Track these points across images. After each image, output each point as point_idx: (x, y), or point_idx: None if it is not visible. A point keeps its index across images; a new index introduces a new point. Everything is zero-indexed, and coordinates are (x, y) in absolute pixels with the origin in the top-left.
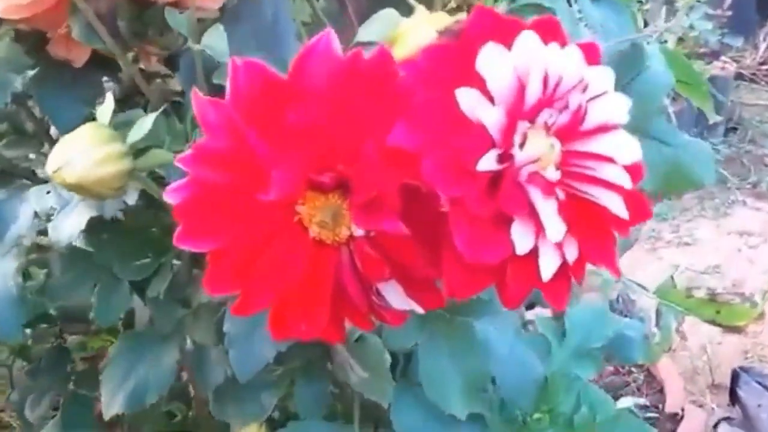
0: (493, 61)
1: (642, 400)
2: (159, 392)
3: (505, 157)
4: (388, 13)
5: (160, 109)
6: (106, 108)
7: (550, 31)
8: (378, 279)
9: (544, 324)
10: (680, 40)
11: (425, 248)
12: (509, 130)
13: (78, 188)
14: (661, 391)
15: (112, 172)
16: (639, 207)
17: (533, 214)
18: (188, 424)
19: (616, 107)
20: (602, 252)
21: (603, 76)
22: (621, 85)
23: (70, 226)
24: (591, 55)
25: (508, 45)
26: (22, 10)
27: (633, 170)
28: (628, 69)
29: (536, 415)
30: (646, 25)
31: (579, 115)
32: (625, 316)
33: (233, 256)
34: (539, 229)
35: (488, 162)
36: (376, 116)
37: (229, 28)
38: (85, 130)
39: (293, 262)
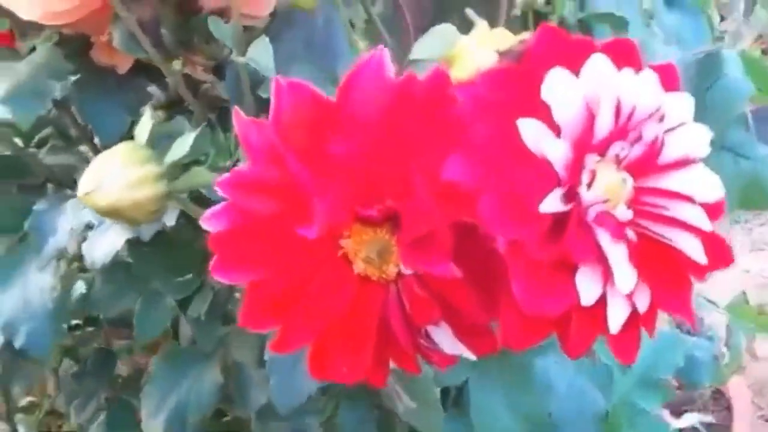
0: (559, 89)
1: (708, 418)
2: (201, 413)
3: (570, 196)
4: (446, 29)
5: (202, 125)
6: (143, 126)
7: (624, 54)
8: (427, 321)
9: (606, 350)
10: (759, 36)
11: (479, 290)
12: (576, 165)
13: (110, 213)
14: (729, 408)
15: (147, 195)
16: (719, 251)
17: (601, 260)
18: (236, 424)
19: (696, 139)
20: (677, 300)
21: (682, 104)
22: (696, 95)
23: (105, 246)
24: (668, 79)
25: (577, 69)
26: (63, 16)
27: (713, 209)
28: (704, 77)
29: None
30: (722, 19)
31: (655, 148)
32: (693, 334)
33: (272, 290)
34: (607, 277)
35: (552, 203)
36: (430, 146)
37: (276, 37)
38: (119, 150)
39: (336, 298)
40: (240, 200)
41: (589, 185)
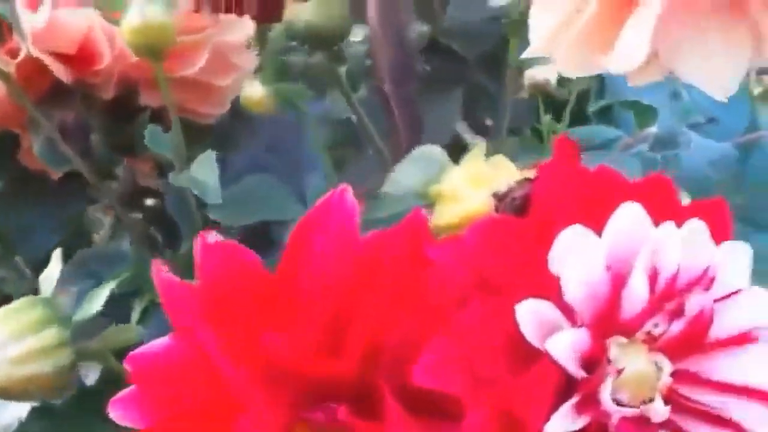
0: (574, 255)
1: None
2: None
3: (588, 402)
4: (432, 154)
5: (115, 281)
6: (48, 275)
7: (661, 198)
8: None
9: None
10: None
11: None
12: (597, 358)
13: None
14: None
15: (45, 370)
16: None
17: None
18: None
19: (756, 309)
20: None
21: (737, 261)
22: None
23: (8, 414)
24: (718, 222)
25: (599, 221)
26: None
27: None
28: (743, 153)
29: None
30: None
31: (700, 324)
32: None
33: None
34: None
35: (563, 421)
36: (399, 332)
37: (234, 142)
38: (15, 309)
39: None
40: (152, 387)
41: (613, 383)
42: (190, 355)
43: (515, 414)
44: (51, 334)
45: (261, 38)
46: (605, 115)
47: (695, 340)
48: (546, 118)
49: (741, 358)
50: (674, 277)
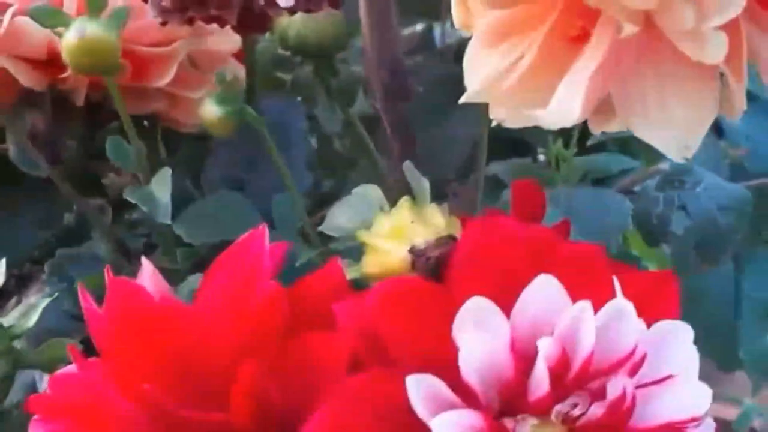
0: (475, 332)
1: None
2: None
3: None
4: (366, 194)
5: (47, 298)
6: None
7: (588, 268)
8: None
9: None
10: None
11: None
12: None
13: None
14: None
15: None
16: None
17: None
18: None
19: (689, 400)
20: None
21: (676, 341)
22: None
23: None
24: (664, 296)
25: (518, 292)
26: None
27: None
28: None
29: None
30: None
31: (621, 408)
32: None
33: None
34: None
35: None
36: (292, 389)
37: (213, 153)
38: None
39: None
40: (62, 410)
41: None
42: (97, 382)
43: None
44: None
45: (248, 50)
46: (626, 143)
47: (616, 425)
48: (556, 145)
49: None
50: (589, 358)
